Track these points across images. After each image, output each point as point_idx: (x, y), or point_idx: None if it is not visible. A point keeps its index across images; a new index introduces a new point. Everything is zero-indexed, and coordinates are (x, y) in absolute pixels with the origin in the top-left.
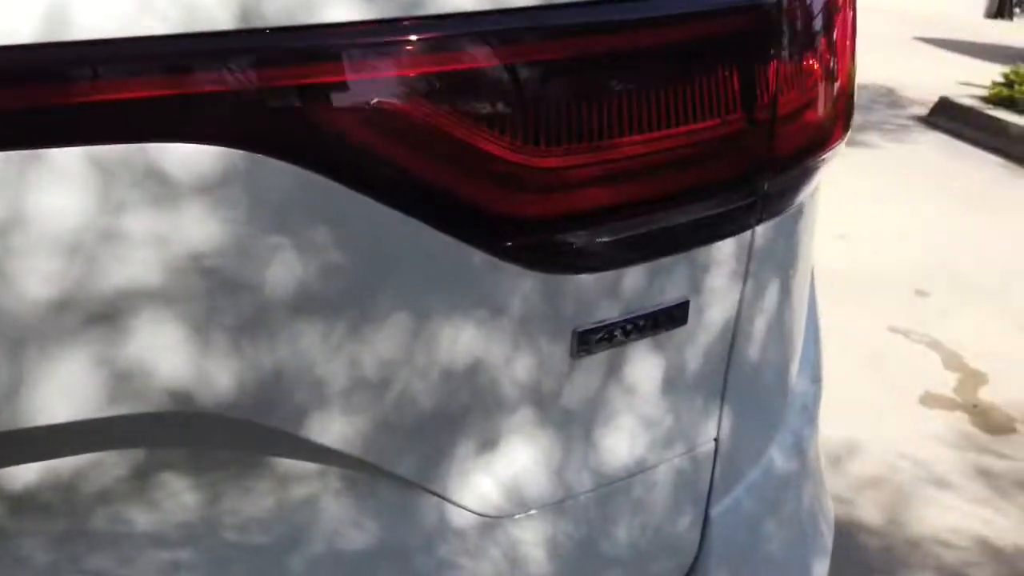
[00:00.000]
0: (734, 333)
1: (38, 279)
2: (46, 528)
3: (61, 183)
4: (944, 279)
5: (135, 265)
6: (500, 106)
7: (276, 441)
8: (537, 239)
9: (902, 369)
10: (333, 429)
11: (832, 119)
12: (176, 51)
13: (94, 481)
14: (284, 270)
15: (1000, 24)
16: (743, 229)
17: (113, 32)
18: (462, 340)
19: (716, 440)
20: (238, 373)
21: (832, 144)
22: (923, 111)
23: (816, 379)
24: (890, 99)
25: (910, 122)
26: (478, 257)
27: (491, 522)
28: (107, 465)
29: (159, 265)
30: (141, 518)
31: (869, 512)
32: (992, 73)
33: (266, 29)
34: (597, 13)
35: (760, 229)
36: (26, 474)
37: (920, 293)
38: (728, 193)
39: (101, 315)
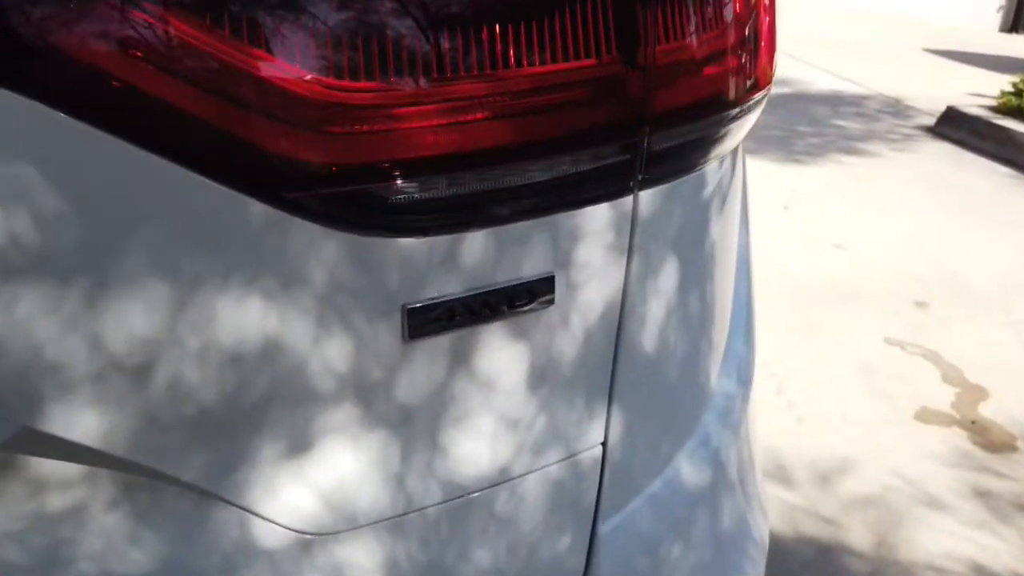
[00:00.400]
0: (620, 318)
1: None
2: None
3: None
4: (945, 290)
5: None
6: (288, 15)
7: (17, 437)
8: (343, 190)
9: (897, 382)
10: (83, 423)
11: (741, 68)
12: None
13: None
14: None
15: (1015, 38)
16: (619, 194)
17: None
18: (246, 316)
19: (603, 445)
20: None
21: (744, 99)
22: (930, 121)
23: (744, 380)
24: (896, 109)
25: (916, 132)
26: (260, 210)
27: (310, 540)
28: None
29: None
30: None
31: (858, 534)
32: (1002, 84)
33: None
34: None
35: (644, 195)
36: None
37: (920, 304)
38: (596, 147)
39: None
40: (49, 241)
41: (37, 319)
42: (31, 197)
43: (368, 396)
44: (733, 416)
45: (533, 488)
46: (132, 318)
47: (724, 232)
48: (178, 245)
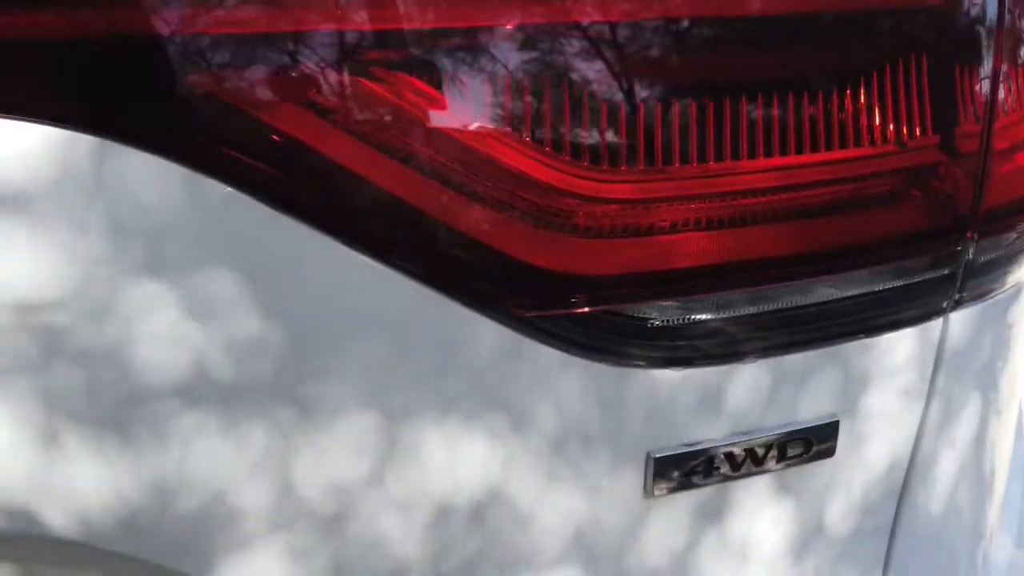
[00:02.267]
0: (907, 474)
1: None
2: None
3: None
4: None
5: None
6: (538, 99)
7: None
8: (590, 309)
9: None
10: None
11: None
12: None
13: None
14: (166, 328)
15: None
16: (927, 317)
17: None
18: (463, 459)
19: None
20: (87, 478)
21: None
22: None
23: (1023, 542)
24: None
25: None
26: (494, 332)
27: None
28: None
29: None
30: None
31: None
32: None
33: None
34: None
35: (956, 317)
36: None
37: None
38: (908, 260)
39: None
40: (240, 364)
41: (220, 457)
42: (243, 309)
43: (595, 564)
44: None
45: None
46: (332, 459)
47: (1021, 358)
48: (392, 372)
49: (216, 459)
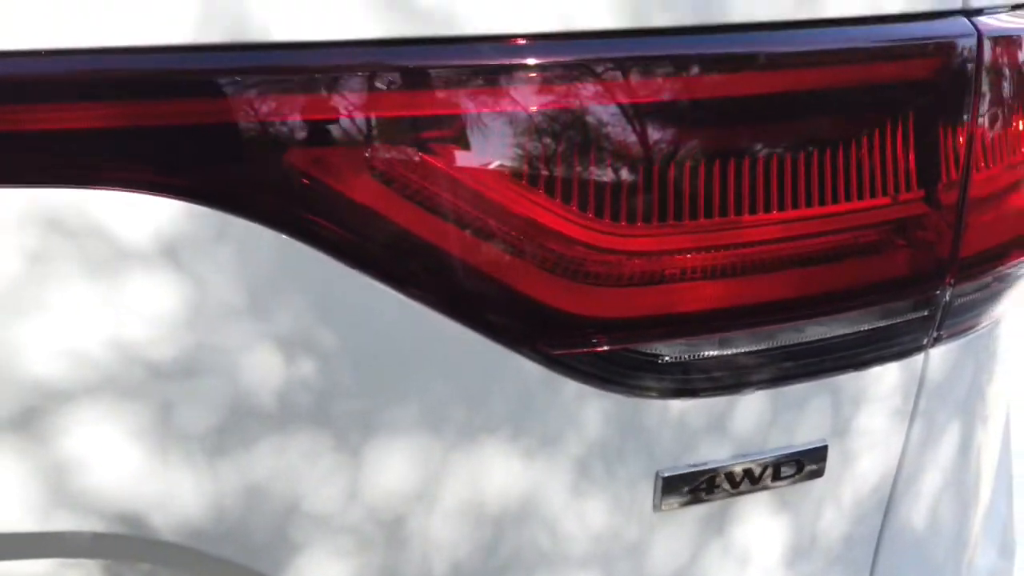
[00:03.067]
0: (892, 491)
1: None
2: None
3: None
4: None
5: (70, 343)
6: (568, 165)
7: None
8: (612, 348)
9: None
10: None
11: None
12: (128, 69)
13: None
14: (263, 365)
15: None
16: (912, 352)
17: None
18: (505, 473)
19: None
20: (198, 491)
21: None
22: None
23: (1007, 552)
24: None
25: None
26: (528, 368)
27: None
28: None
29: (100, 344)
30: None
31: None
32: None
33: (253, 45)
34: (712, 42)
35: (936, 353)
36: None
37: None
38: (893, 301)
39: (25, 413)
40: (319, 389)
41: (301, 466)
42: (318, 347)
43: (610, 567)
44: None
45: None
46: (394, 469)
47: (1002, 384)
48: (443, 402)
49: (296, 473)
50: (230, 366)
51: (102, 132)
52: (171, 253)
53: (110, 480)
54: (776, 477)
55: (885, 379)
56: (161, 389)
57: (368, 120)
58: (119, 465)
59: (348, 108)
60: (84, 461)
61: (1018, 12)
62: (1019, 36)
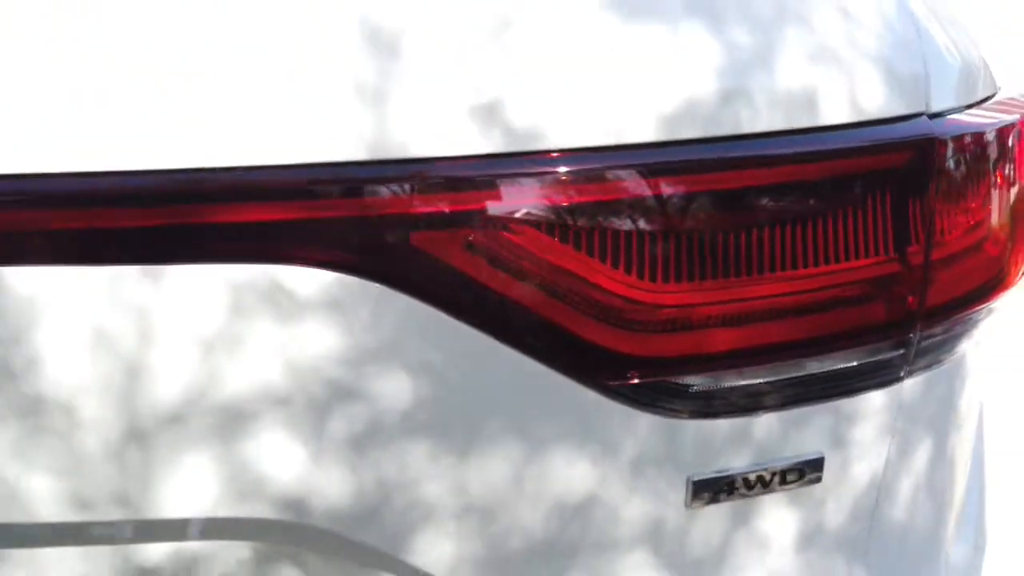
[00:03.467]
0: (877, 496)
1: (172, 381)
2: None
3: (196, 296)
4: None
5: (258, 373)
6: (616, 238)
7: (373, 559)
8: (652, 380)
9: None
10: (433, 555)
11: (1002, 263)
12: (305, 179)
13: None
14: (394, 391)
15: None
16: (891, 382)
17: (247, 160)
18: (567, 477)
19: None
20: (345, 486)
21: (999, 291)
22: None
23: (979, 546)
24: None
25: None
26: (590, 396)
27: None
28: (218, 556)
29: (280, 375)
30: None
31: None
32: None
33: (390, 160)
34: (727, 148)
35: (909, 383)
36: (155, 552)
37: None
38: (874, 342)
39: (223, 420)
40: (433, 409)
41: (420, 468)
42: (422, 375)
43: (653, 553)
44: None
45: None
46: (490, 470)
47: (971, 401)
48: (524, 418)
49: (418, 474)
50: (370, 391)
51: (291, 224)
52: (331, 310)
53: (282, 477)
54: (783, 482)
55: (870, 403)
56: (320, 408)
57: (463, 211)
58: (289, 466)
59: (452, 202)
60: (265, 461)
61: (977, 108)
62: (970, 132)
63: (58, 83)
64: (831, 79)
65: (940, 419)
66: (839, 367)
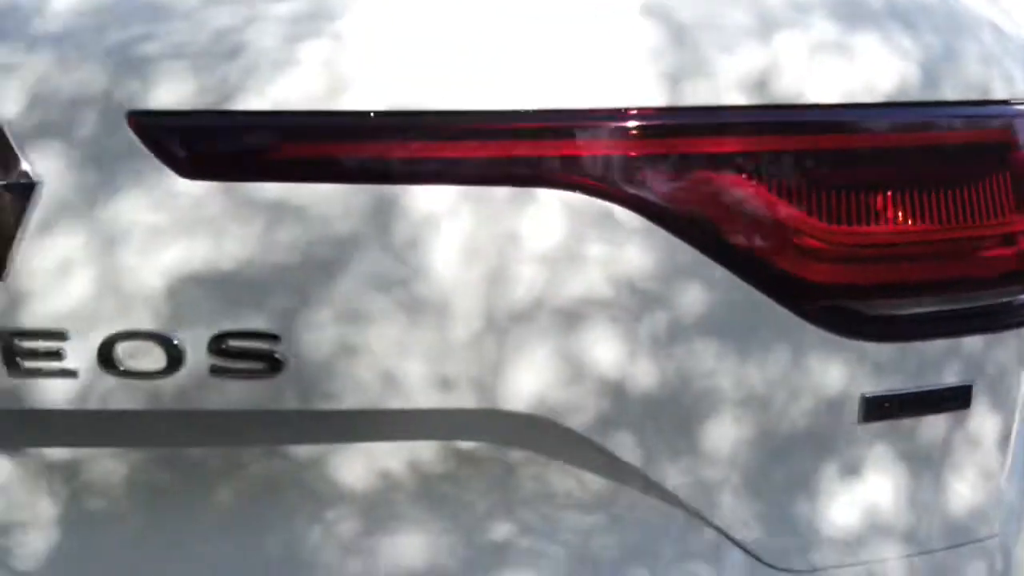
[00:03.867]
0: (1017, 422)
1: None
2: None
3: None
4: None
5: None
6: (814, 186)
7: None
8: (834, 304)
9: None
10: (679, 472)
11: None
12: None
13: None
14: (651, 306)
15: None
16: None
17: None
18: (774, 385)
19: (997, 534)
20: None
21: None
22: None
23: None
24: None
25: None
26: (792, 318)
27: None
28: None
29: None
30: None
31: None
32: None
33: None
34: (906, 114)
35: None
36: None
37: None
38: (1007, 286)
39: (556, 320)
40: (676, 324)
41: (696, 364)
42: (665, 291)
43: (829, 462)
44: None
45: (941, 563)
46: (700, 380)
47: None
48: (751, 327)
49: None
50: (627, 306)
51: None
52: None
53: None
54: (940, 403)
55: (1011, 341)
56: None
57: (703, 154)
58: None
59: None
60: (530, 365)
61: None
62: None
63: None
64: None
65: None
66: (989, 303)
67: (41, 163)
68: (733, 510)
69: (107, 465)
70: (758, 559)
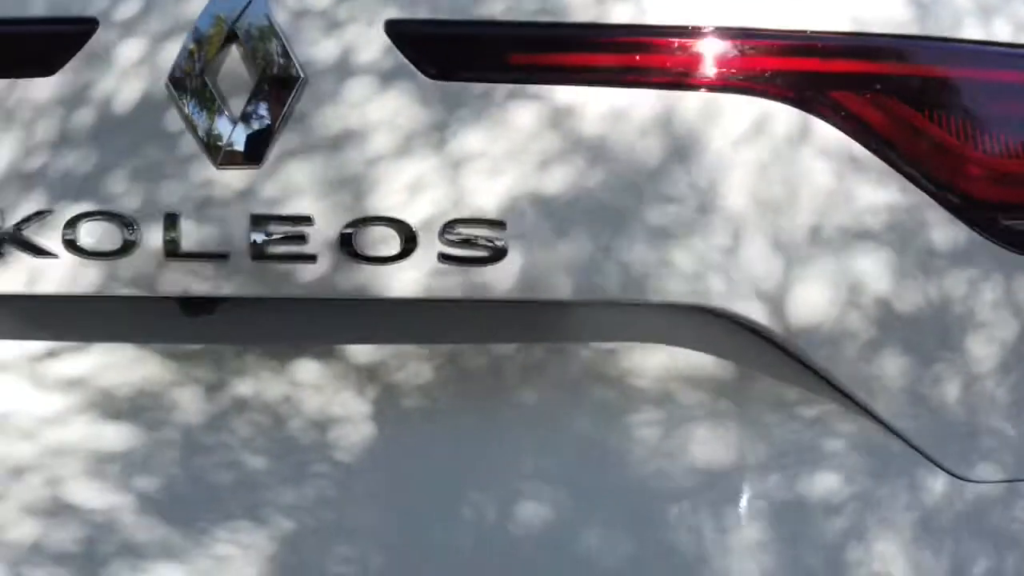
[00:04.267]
0: None
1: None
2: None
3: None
4: None
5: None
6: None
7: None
8: (995, 221)
9: None
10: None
11: None
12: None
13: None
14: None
15: None
16: None
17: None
18: (927, 286)
19: None
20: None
21: None
22: None
23: None
24: None
25: None
26: (964, 230)
27: (969, 487)
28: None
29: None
30: None
31: None
32: None
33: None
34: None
35: None
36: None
37: None
38: None
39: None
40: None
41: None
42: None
43: (1014, 382)
44: None
45: None
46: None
47: None
48: (928, 239)
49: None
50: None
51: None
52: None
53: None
54: None
55: None
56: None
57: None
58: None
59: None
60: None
61: None
62: None
63: None
64: None
65: None
66: None
67: (307, 61)
68: (934, 429)
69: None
70: (953, 474)
